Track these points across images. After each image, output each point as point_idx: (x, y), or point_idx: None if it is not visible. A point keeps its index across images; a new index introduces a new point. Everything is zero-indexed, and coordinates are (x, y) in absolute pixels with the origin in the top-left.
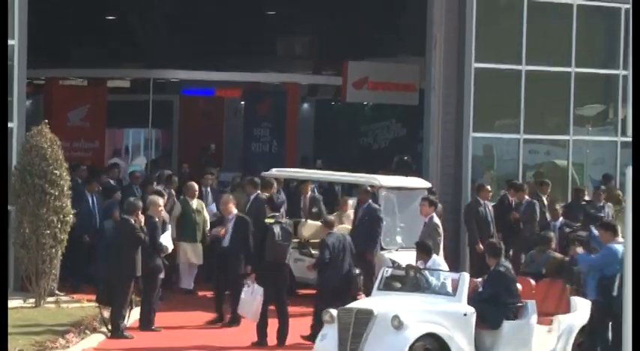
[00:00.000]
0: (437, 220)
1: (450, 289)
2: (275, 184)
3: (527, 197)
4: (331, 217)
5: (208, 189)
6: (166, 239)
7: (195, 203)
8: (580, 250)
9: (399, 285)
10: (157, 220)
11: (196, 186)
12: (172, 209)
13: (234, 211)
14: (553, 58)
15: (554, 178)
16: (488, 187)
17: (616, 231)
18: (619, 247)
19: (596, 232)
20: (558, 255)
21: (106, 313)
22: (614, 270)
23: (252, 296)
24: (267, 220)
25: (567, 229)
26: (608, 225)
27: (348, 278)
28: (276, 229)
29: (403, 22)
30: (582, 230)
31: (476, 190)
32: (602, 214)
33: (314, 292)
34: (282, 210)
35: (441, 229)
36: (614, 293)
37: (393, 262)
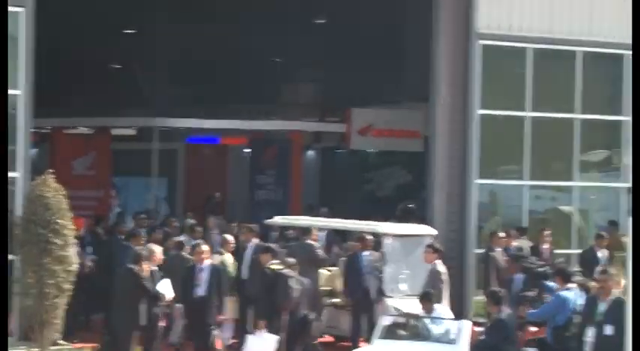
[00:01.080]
0: (441, 267)
1: (451, 336)
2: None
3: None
4: (292, 260)
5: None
6: (164, 287)
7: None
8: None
9: (400, 333)
10: (156, 269)
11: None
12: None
13: (209, 260)
14: (557, 104)
15: (559, 224)
16: (500, 234)
17: (567, 278)
18: (569, 294)
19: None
20: None
21: None
22: (565, 317)
23: (264, 344)
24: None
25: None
26: (560, 271)
27: (304, 323)
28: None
29: (407, 69)
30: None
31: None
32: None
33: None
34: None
35: (444, 277)
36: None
37: (397, 309)
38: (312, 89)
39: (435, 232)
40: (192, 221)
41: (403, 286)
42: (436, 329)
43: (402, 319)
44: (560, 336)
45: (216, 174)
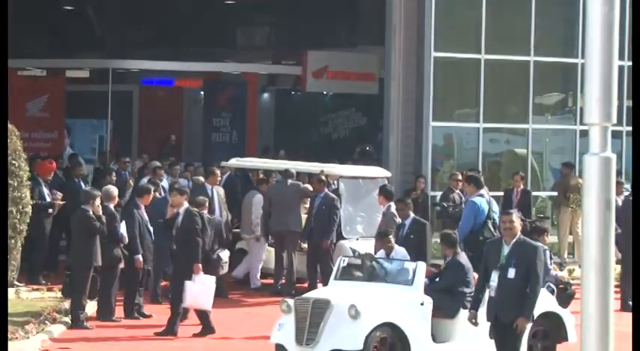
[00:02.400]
0: (394, 209)
1: (407, 278)
2: (219, 173)
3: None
4: (202, 198)
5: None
6: (124, 229)
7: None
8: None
9: (356, 274)
10: (114, 209)
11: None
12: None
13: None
14: (512, 47)
15: (514, 166)
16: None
17: (478, 185)
18: (479, 199)
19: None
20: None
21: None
22: (480, 220)
23: (204, 286)
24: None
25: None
26: (470, 178)
27: (207, 260)
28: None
29: (362, 12)
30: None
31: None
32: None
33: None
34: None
35: (398, 219)
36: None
37: (354, 250)
38: (267, 32)
39: (389, 174)
40: (157, 163)
41: (360, 228)
42: (392, 270)
43: (358, 260)
44: (474, 240)
45: (171, 116)
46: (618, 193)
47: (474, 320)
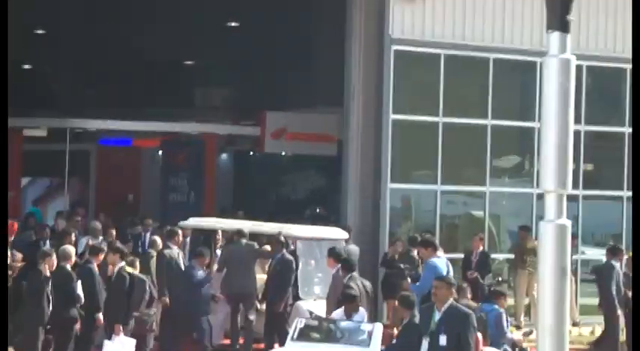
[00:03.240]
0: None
1: (363, 338)
2: (180, 234)
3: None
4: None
5: (147, 234)
6: (80, 289)
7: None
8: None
9: (313, 336)
10: (69, 269)
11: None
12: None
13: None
14: (470, 110)
15: (471, 228)
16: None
17: (434, 247)
18: (438, 261)
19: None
20: (472, 303)
21: None
22: None
23: (123, 347)
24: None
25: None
26: (426, 242)
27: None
28: (139, 278)
29: (321, 73)
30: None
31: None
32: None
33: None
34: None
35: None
36: None
37: (311, 312)
38: (226, 92)
39: (347, 235)
40: (97, 224)
41: (317, 289)
42: (349, 332)
43: (315, 322)
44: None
45: (128, 176)
46: (620, 258)
47: None
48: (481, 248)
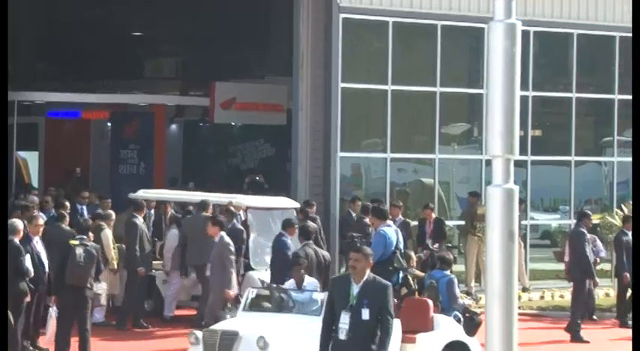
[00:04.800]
0: (228, 239)
1: (316, 308)
2: (145, 206)
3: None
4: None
5: (84, 207)
6: (29, 262)
7: None
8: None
9: (265, 305)
10: (18, 243)
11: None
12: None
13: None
14: (418, 78)
15: (421, 196)
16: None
17: (383, 216)
18: (387, 229)
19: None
20: (418, 272)
21: None
22: (388, 252)
23: (50, 320)
24: (72, 242)
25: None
26: (377, 210)
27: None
28: (79, 250)
29: (270, 43)
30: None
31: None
32: None
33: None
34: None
35: (232, 248)
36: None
37: (262, 282)
38: (175, 63)
39: (297, 205)
40: (35, 198)
41: (268, 258)
42: (301, 301)
43: (266, 291)
44: (384, 270)
45: (77, 148)
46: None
47: None
48: (434, 216)
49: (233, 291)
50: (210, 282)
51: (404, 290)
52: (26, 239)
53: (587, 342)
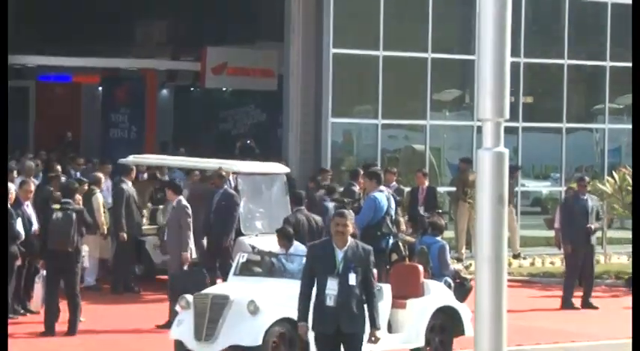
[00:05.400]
0: (185, 202)
1: None
2: (134, 170)
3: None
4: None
5: (78, 174)
6: (20, 226)
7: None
8: None
9: (255, 270)
10: (9, 207)
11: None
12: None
13: None
14: (410, 44)
15: (412, 162)
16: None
17: (379, 179)
18: (379, 195)
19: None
20: (408, 238)
21: None
22: (379, 215)
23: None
24: (54, 206)
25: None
26: (371, 174)
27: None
28: (56, 214)
29: (262, 8)
30: None
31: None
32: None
33: None
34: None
35: (189, 211)
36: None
37: (253, 247)
38: (167, 28)
39: (288, 170)
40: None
41: (259, 224)
42: (291, 266)
43: (257, 257)
44: (371, 234)
45: (68, 112)
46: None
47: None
48: (427, 183)
49: (190, 253)
50: (168, 245)
51: (394, 256)
52: (17, 203)
53: (596, 308)
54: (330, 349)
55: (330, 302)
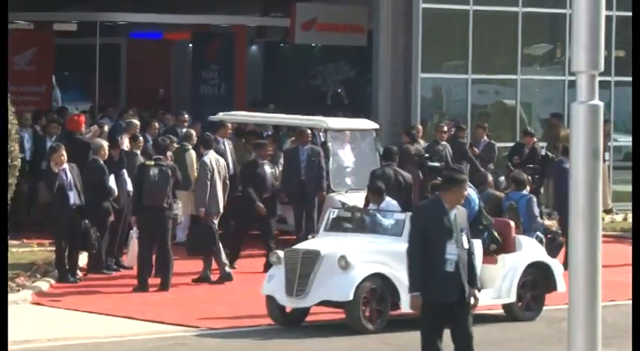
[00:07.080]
0: (206, 158)
1: (397, 229)
2: (229, 127)
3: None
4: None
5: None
6: (113, 183)
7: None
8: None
9: (346, 226)
10: (102, 163)
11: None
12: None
13: None
14: None
15: (502, 117)
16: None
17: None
18: (471, 192)
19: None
20: (498, 193)
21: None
22: (473, 212)
23: (132, 242)
24: (147, 163)
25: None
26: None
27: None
28: (152, 171)
29: None
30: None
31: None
32: None
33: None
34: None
35: (209, 168)
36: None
37: (343, 203)
38: None
39: (377, 126)
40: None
41: (348, 180)
42: (382, 222)
43: (347, 213)
44: (475, 230)
45: (159, 69)
46: None
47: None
48: (485, 138)
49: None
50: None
51: (493, 246)
52: (113, 163)
53: None
54: (445, 319)
55: (450, 268)
